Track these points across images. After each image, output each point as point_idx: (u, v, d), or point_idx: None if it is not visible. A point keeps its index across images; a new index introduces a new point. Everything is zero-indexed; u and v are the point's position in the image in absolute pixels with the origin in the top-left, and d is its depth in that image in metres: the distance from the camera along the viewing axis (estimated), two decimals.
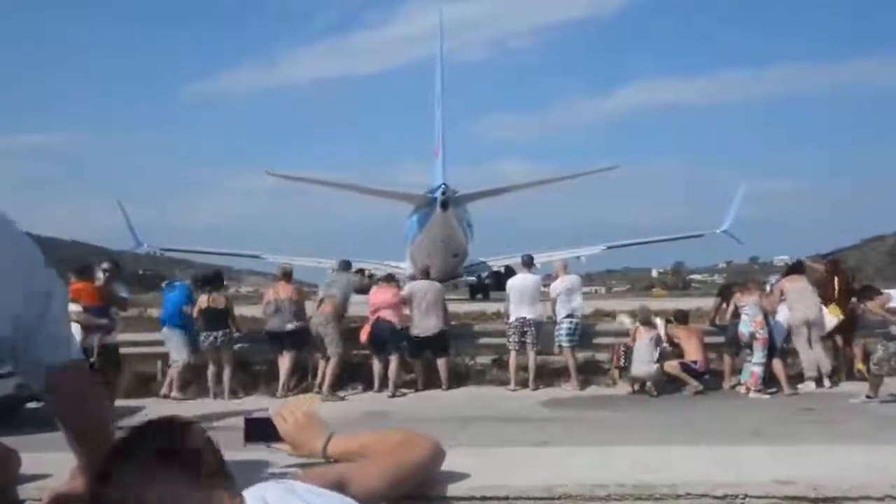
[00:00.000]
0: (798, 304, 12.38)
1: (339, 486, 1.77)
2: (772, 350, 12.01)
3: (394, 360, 12.40)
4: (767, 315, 12.13)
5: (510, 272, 48.84)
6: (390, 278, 14.06)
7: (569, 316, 12.74)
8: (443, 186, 39.54)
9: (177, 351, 12.22)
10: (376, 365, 12.54)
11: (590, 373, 13.16)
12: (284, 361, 12.43)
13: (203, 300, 12.39)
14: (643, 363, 12.05)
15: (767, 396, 11.63)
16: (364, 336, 12.57)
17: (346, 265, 13.95)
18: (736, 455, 2.60)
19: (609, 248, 50.96)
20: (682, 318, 13.06)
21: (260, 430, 2.14)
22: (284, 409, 2.15)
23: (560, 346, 12.77)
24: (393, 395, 12.11)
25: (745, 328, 11.99)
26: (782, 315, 12.44)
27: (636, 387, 12.25)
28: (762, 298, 12.28)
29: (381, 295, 12.85)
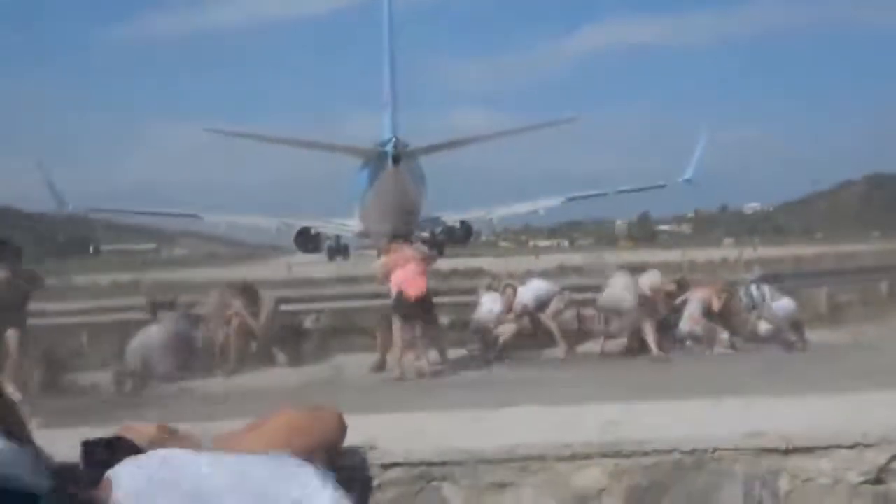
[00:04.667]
0: None
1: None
2: None
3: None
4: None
5: (465, 227, 49.70)
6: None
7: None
8: (394, 139, 39.49)
9: None
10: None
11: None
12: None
13: None
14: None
15: (732, 352, 12.02)
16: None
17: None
18: (705, 409, 2.69)
19: (569, 199, 51.33)
20: None
21: (105, 452, 2.01)
22: (135, 424, 2.06)
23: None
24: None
25: (683, 325, 12.41)
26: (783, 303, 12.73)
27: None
28: (714, 297, 12.59)
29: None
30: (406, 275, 11.43)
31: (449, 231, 47.93)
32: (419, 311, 11.40)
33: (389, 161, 38.68)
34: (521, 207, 51.97)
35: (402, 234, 13.97)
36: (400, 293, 11.36)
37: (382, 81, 47.37)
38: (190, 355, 11.83)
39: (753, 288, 13.04)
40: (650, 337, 12.13)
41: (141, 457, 1.67)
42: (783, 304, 12.71)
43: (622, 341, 12.54)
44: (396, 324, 11.40)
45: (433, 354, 11.65)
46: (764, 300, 12.73)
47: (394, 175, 38.77)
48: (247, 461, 1.64)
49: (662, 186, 50.71)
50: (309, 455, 2.06)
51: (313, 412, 2.10)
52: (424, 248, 13.03)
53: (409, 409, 3.13)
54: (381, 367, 11.55)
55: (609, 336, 12.58)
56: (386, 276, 11.92)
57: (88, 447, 1.97)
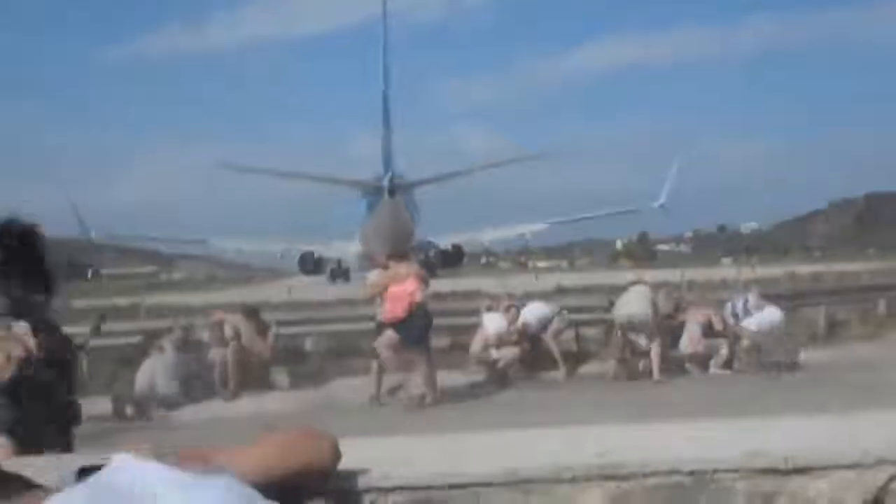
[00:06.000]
0: None
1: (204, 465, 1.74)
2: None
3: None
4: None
5: (457, 250, 53.30)
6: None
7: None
8: (390, 174, 44.74)
9: None
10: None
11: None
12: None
13: None
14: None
15: (729, 372, 11.98)
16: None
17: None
18: (704, 430, 2.69)
19: (553, 224, 54.91)
20: None
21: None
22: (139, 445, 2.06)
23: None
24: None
25: (684, 347, 12.33)
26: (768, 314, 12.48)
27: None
28: (712, 317, 12.50)
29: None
30: (406, 289, 10.99)
31: (442, 254, 51.81)
32: (413, 329, 10.87)
33: (386, 193, 43.95)
34: (509, 231, 55.43)
35: (399, 255, 13.78)
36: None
37: (381, 105, 49.81)
38: (192, 380, 11.82)
39: (739, 303, 12.75)
40: (655, 359, 12.01)
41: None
42: (767, 315, 12.40)
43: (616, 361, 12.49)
44: (394, 343, 10.85)
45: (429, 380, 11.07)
46: (748, 314, 12.41)
47: (390, 205, 43.94)
48: (199, 485, 1.63)
49: (635, 212, 54.34)
50: (300, 476, 2.07)
51: (307, 435, 2.11)
52: (417, 267, 12.71)
53: (408, 432, 3.13)
54: (378, 396, 10.99)
55: (629, 353, 12.43)
56: (377, 293, 11.53)
57: (84, 472, 1.98)
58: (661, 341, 12.04)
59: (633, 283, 13.80)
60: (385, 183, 44.26)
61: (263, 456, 1.96)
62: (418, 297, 10.96)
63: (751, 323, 12.28)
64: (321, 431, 2.12)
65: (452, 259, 51.58)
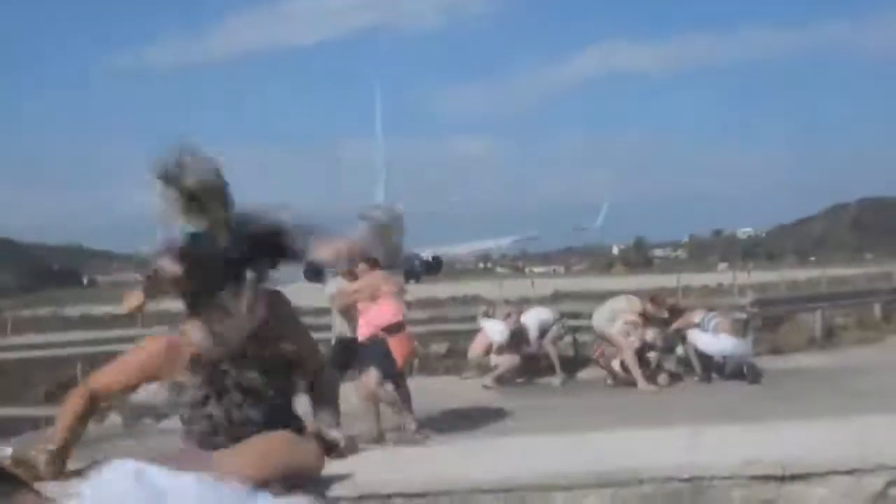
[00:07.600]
0: None
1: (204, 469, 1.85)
2: None
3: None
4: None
5: (438, 260, 59.89)
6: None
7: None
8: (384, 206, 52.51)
9: None
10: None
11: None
12: None
13: None
14: None
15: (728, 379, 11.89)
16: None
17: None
18: (702, 436, 2.67)
19: (515, 241, 59.98)
20: None
21: None
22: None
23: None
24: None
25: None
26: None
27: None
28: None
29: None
30: (390, 308, 8.67)
31: (426, 264, 56.48)
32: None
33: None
34: (479, 246, 61.93)
35: (372, 262, 11.77)
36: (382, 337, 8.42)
37: (375, 112, 54.89)
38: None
39: (708, 320, 12.23)
40: (633, 369, 11.69)
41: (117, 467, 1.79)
42: (724, 342, 11.81)
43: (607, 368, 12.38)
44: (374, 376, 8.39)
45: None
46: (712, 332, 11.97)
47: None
48: (210, 492, 1.74)
49: (584, 229, 59.41)
50: (284, 478, 2.09)
51: (291, 438, 2.16)
52: (395, 280, 10.10)
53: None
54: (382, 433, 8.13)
55: (605, 361, 12.46)
56: (347, 304, 8.99)
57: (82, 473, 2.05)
58: (630, 351, 11.70)
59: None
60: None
61: (251, 456, 2.02)
62: (400, 316, 8.68)
63: (700, 340, 11.82)
64: (302, 437, 2.15)
65: (434, 268, 57.70)
